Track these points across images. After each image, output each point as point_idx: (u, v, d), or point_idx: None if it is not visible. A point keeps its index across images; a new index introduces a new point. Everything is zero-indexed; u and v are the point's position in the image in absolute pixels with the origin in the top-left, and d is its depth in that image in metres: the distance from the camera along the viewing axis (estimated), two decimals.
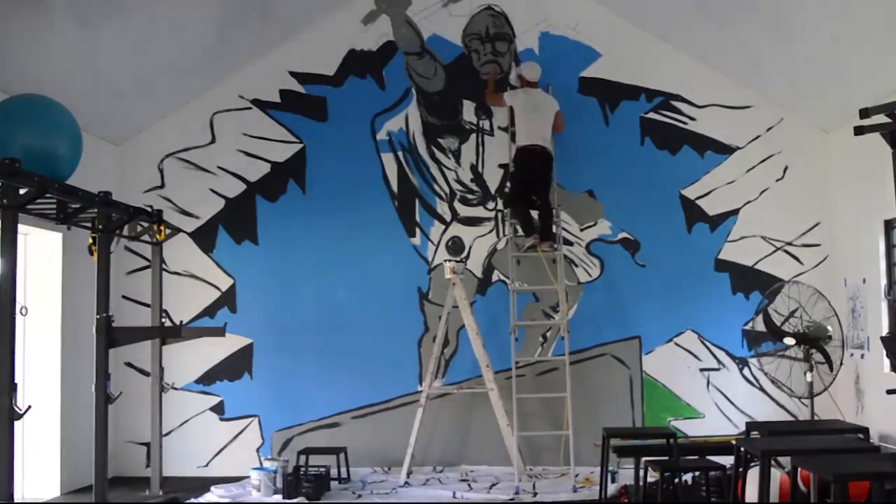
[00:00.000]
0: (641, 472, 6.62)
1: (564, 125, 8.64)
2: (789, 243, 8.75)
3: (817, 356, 7.56)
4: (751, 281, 8.70)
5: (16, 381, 5.48)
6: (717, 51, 8.66)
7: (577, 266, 8.89)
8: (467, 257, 8.96)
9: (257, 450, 8.80)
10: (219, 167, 9.10)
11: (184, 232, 8.75)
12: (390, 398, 8.82)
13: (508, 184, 8.83)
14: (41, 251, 7.86)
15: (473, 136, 9.06)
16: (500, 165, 8.98)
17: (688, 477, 7.05)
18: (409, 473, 8.14)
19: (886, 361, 7.07)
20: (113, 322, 6.82)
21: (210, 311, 8.99)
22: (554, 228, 8.46)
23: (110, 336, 6.74)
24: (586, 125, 8.92)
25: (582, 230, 8.92)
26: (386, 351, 8.83)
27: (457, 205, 9.04)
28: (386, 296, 8.90)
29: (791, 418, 8.48)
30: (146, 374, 8.37)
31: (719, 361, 8.71)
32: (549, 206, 8.52)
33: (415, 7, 9.07)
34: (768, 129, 8.81)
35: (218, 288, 9.01)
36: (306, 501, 7.37)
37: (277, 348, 8.91)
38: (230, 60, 8.90)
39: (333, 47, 9.11)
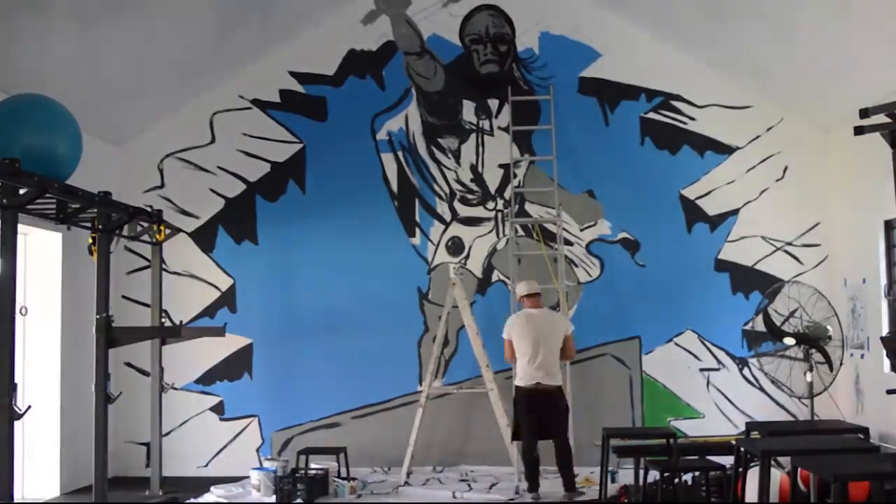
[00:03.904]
0: (641, 472, 6.62)
1: (575, 351, 7.49)
2: (789, 243, 8.75)
3: (817, 356, 7.56)
4: (751, 281, 8.70)
5: (16, 381, 5.48)
6: (717, 51, 8.65)
7: (577, 266, 8.89)
8: (467, 257, 8.96)
9: (257, 450, 8.80)
10: (219, 167, 9.10)
11: (184, 232, 8.73)
12: (390, 398, 8.83)
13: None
14: (41, 251, 7.86)
15: (473, 136, 9.07)
16: (500, 165, 8.98)
17: (688, 477, 7.04)
18: (408, 473, 8.14)
19: (886, 361, 7.06)
20: (113, 322, 6.81)
21: (210, 311, 8.99)
22: (576, 472, 7.19)
23: (110, 336, 6.73)
24: (586, 125, 8.92)
25: (582, 230, 8.92)
26: (386, 351, 8.83)
27: (457, 205, 9.04)
28: (386, 296, 8.90)
29: (791, 418, 8.48)
30: (146, 374, 8.34)
31: (719, 361, 8.71)
32: (568, 448, 7.19)
33: (415, 7, 9.08)
34: (768, 129, 8.81)
35: (218, 288, 9.02)
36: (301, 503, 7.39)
37: (277, 348, 8.91)
38: (230, 60, 8.90)
39: (333, 47, 9.11)
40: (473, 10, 9.06)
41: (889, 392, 6.04)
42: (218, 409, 8.92)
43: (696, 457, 7.00)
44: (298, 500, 7.43)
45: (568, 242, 8.87)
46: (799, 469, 6.07)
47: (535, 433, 7.09)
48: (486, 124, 9.07)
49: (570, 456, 7.14)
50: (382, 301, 8.90)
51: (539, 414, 7.07)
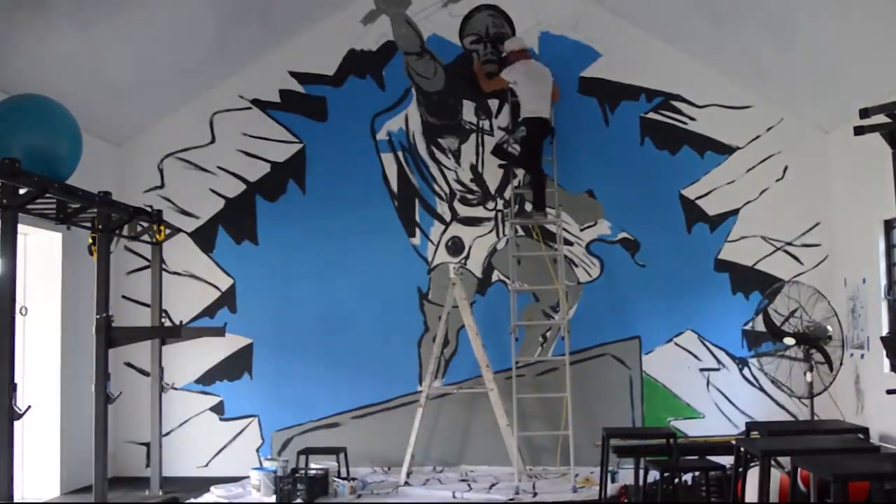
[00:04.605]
0: (641, 472, 6.62)
1: (560, 94, 8.71)
2: (789, 243, 8.75)
3: (817, 356, 7.56)
4: (751, 281, 8.70)
5: (16, 381, 5.49)
6: (717, 51, 8.66)
7: (577, 266, 8.89)
8: (467, 257, 8.96)
9: (257, 450, 8.80)
10: (219, 167, 9.10)
11: (184, 232, 8.75)
12: (390, 398, 8.82)
13: (516, 146, 8.81)
14: (41, 251, 7.85)
15: (473, 136, 9.06)
16: (500, 166, 8.98)
17: (688, 477, 7.05)
18: (408, 473, 8.14)
19: (886, 361, 7.06)
20: (113, 322, 6.82)
21: (210, 311, 8.99)
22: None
23: (110, 336, 6.74)
24: (586, 125, 8.92)
25: (582, 230, 8.92)
26: (386, 351, 8.83)
27: (457, 205, 9.04)
28: (386, 296, 8.90)
29: (791, 418, 8.48)
30: (146, 374, 8.37)
31: (719, 361, 8.71)
32: (544, 176, 8.57)
33: (415, 7, 9.07)
34: (768, 129, 8.81)
35: (218, 288, 9.01)
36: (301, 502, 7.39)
37: (277, 348, 8.91)
38: (230, 60, 8.90)
39: (333, 47, 9.11)
40: (473, 10, 9.06)
41: (889, 392, 6.03)
42: (218, 409, 8.91)
43: (696, 457, 7.00)
44: (298, 500, 7.43)
45: (568, 242, 8.87)
46: (799, 469, 6.07)
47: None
48: (485, 124, 9.07)
49: (544, 180, 8.54)
50: (382, 301, 8.90)
51: (542, 137, 8.54)
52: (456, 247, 8.99)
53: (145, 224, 7.75)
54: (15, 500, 5.60)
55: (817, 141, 8.75)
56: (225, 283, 9.02)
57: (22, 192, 5.66)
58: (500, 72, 8.67)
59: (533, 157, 8.53)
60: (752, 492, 5.91)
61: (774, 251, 8.76)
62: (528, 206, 8.75)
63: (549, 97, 8.50)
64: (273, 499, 7.50)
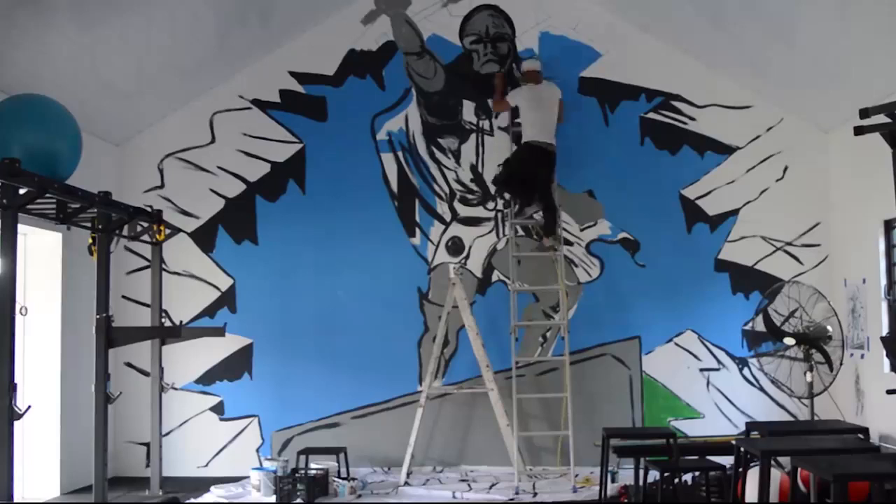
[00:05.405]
0: (641, 472, 6.62)
1: (563, 117, 8.60)
2: (789, 243, 8.75)
3: (817, 356, 7.55)
4: (751, 281, 8.70)
5: (16, 381, 5.48)
6: (717, 51, 8.66)
7: (577, 266, 8.89)
8: (467, 257, 8.96)
9: (257, 450, 8.80)
10: (219, 167, 9.10)
11: (184, 232, 8.74)
12: (390, 398, 8.83)
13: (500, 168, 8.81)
14: (41, 251, 7.86)
15: (473, 136, 9.07)
16: (500, 165, 8.97)
17: (688, 477, 7.05)
18: (408, 473, 8.14)
19: (886, 361, 7.06)
20: (113, 322, 6.82)
21: (210, 311, 8.99)
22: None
23: (110, 336, 6.74)
24: (586, 125, 8.92)
25: (582, 230, 8.92)
26: (386, 351, 8.83)
27: (457, 205, 9.04)
28: (386, 296, 8.90)
29: (791, 418, 8.48)
30: (146, 374, 8.36)
31: (719, 361, 8.71)
32: (552, 205, 8.51)
33: (415, 7, 9.07)
34: (768, 129, 8.81)
35: (218, 288, 9.02)
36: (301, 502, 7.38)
37: (277, 348, 8.91)
38: (230, 60, 8.90)
39: (333, 47, 9.11)
40: (473, 10, 9.06)
41: (889, 392, 6.03)
42: (218, 409, 8.91)
43: (696, 457, 7.00)
44: (298, 500, 7.44)
45: (568, 242, 8.87)
46: (799, 469, 6.07)
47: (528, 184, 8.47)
48: (485, 124, 9.07)
49: (555, 210, 8.53)
50: (382, 301, 8.90)
51: (532, 165, 8.37)
52: (456, 247, 8.99)
53: (145, 224, 7.74)
54: (15, 500, 5.59)
55: (817, 141, 8.75)
56: (225, 283, 9.02)
57: (22, 192, 5.65)
58: (500, 69, 8.68)
59: (519, 184, 8.50)
60: (752, 492, 5.91)
61: (774, 251, 8.76)
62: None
63: (552, 124, 8.41)
64: (273, 499, 7.50)
